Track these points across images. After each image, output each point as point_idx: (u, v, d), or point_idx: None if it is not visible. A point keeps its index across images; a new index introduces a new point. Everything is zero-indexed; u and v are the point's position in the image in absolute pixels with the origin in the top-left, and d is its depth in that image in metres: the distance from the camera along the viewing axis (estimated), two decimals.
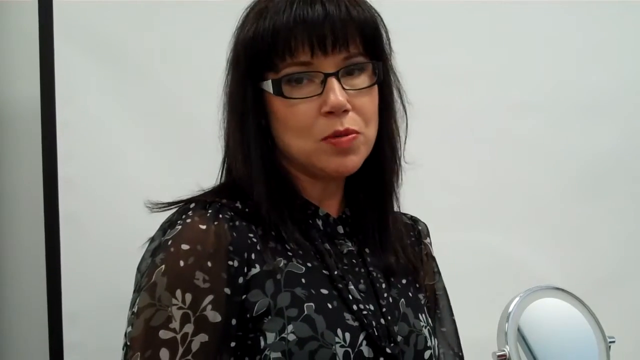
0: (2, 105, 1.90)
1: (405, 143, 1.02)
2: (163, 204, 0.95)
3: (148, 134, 1.78)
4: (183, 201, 0.93)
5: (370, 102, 0.94)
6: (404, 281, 1.02)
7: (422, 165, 1.85)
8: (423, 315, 1.01)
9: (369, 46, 0.94)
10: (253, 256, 0.88)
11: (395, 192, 1.03)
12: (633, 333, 1.79)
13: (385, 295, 0.96)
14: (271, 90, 0.90)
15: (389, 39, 0.99)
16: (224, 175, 1.02)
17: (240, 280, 0.86)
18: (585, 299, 1.57)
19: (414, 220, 1.14)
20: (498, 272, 1.85)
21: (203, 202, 0.91)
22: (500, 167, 1.88)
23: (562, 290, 1.57)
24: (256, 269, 0.88)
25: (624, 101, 1.92)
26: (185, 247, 0.85)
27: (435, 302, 1.12)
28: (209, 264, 0.85)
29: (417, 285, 1.05)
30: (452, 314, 1.15)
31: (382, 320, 0.93)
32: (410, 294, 1.01)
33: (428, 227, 1.16)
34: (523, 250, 1.89)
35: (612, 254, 1.91)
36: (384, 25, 0.98)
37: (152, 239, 0.92)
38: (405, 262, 1.02)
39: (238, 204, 0.92)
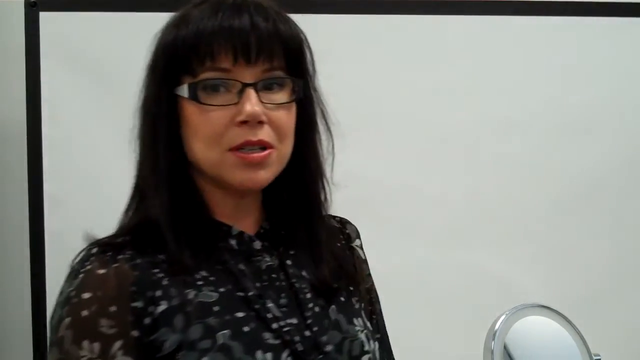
0: None
1: (332, 164, 0.99)
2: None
3: (135, 152, 1.77)
4: (88, 245, 0.91)
5: (287, 117, 0.91)
6: (335, 285, 0.98)
7: (407, 183, 1.89)
8: (359, 319, 0.98)
9: (292, 63, 0.92)
10: (158, 293, 0.86)
11: (322, 206, 0.99)
12: (618, 350, 1.79)
13: (311, 305, 0.94)
14: (186, 95, 0.89)
15: (313, 60, 0.97)
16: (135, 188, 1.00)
17: (147, 320, 0.84)
18: (571, 317, 1.58)
19: (343, 223, 1.09)
20: (484, 289, 1.85)
21: (103, 244, 0.89)
22: (484, 185, 1.89)
23: (548, 307, 1.58)
24: (163, 306, 0.85)
25: (609, 119, 1.94)
26: (86, 295, 0.84)
27: (372, 306, 1.07)
28: (113, 308, 0.83)
29: (351, 289, 1.01)
30: (383, 320, 1.11)
31: (308, 332, 0.91)
32: (342, 299, 0.98)
33: (358, 229, 1.11)
34: (509, 267, 1.89)
35: (598, 271, 1.92)
36: (309, 45, 0.96)
37: (60, 292, 0.90)
38: (336, 267, 0.99)
39: (138, 242, 0.89)
